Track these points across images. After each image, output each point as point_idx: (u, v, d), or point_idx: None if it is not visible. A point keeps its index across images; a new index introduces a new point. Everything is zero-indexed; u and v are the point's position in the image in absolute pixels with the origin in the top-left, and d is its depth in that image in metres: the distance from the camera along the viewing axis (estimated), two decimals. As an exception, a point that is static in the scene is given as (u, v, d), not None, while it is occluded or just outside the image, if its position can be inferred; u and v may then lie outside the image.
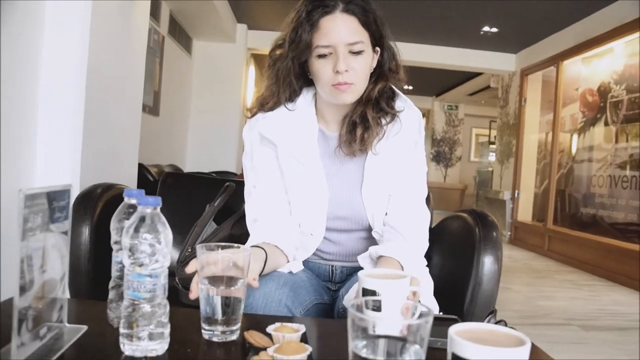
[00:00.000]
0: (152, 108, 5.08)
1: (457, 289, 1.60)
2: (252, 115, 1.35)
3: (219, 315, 0.87)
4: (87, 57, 2.07)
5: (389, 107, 1.30)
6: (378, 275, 0.94)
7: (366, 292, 0.88)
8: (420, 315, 0.59)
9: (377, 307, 0.67)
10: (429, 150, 12.23)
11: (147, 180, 3.76)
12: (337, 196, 1.32)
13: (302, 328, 0.85)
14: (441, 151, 12.22)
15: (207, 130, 6.81)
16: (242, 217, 1.80)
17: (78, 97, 2.07)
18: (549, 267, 5.61)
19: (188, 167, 6.44)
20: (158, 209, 0.82)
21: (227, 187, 1.91)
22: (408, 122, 1.33)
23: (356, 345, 0.57)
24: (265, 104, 1.33)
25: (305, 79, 1.32)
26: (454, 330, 0.59)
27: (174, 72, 5.83)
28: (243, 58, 7.09)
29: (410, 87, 10.88)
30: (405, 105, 1.34)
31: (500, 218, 7.42)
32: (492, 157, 10.01)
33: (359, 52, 1.21)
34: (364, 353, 0.56)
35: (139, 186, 2.34)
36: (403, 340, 0.56)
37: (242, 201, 1.88)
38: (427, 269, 1.50)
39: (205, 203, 1.88)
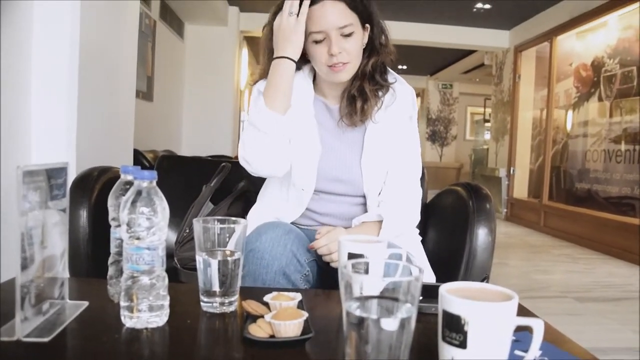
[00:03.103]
0: (146, 93, 5.07)
1: (452, 261, 1.62)
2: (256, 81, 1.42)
3: (216, 287, 0.89)
4: (79, 41, 2.06)
5: (382, 80, 1.39)
6: (360, 240, 0.99)
7: (351, 257, 0.92)
8: (407, 275, 0.61)
9: (365, 270, 0.69)
10: (424, 129, 12.22)
11: (143, 165, 3.77)
12: (337, 159, 1.40)
13: (298, 296, 0.87)
14: (436, 130, 12.21)
15: (202, 115, 6.79)
16: (239, 196, 1.83)
17: (71, 82, 2.07)
18: (545, 242, 5.66)
19: (184, 152, 6.43)
20: (154, 183, 0.84)
21: (223, 168, 1.92)
22: (402, 95, 1.42)
23: (350, 305, 0.59)
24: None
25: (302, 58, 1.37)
26: (445, 288, 0.61)
27: (166, 56, 5.80)
28: (236, 41, 7.05)
29: (405, 67, 10.85)
30: (398, 80, 1.44)
31: (496, 195, 7.45)
32: (487, 135, 10.02)
33: (349, 34, 1.29)
34: (358, 312, 0.58)
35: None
36: (395, 299, 0.58)
37: (238, 181, 1.90)
38: (419, 238, 1.55)
39: (201, 184, 1.90)
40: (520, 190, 7.20)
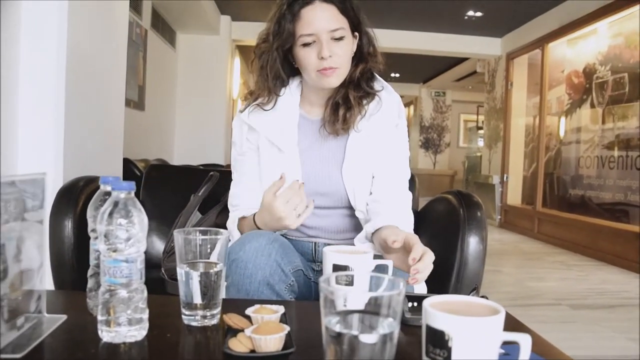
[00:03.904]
0: (137, 103, 5.04)
1: (443, 270, 1.60)
2: (244, 109, 1.42)
3: (198, 300, 0.86)
4: (66, 51, 2.04)
5: (368, 87, 1.38)
6: (344, 251, 0.97)
7: (336, 269, 0.89)
8: (392, 288, 0.59)
9: (350, 282, 0.67)
10: (417, 137, 12.24)
11: (134, 175, 3.74)
12: (317, 172, 1.37)
13: (281, 309, 0.84)
14: (430, 138, 12.23)
15: (194, 124, 6.77)
16: (227, 206, 1.80)
17: (58, 91, 2.05)
18: (539, 249, 5.65)
19: (176, 161, 6.41)
20: (132, 194, 0.82)
21: (211, 177, 1.90)
22: (388, 103, 1.40)
23: (329, 320, 0.56)
24: (257, 99, 1.39)
25: (291, 69, 1.38)
26: (429, 302, 0.59)
27: (158, 66, 5.78)
28: (228, 50, 7.04)
29: (397, 75, 10.88)
30: (385, 87, 1.42)
31: (490, 202, 7.45)
32: (480, 143, 10.04)
33: (340, 38, 1.28)
34: (337, 328, 0.56)
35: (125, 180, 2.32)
36: (376, 314, 0.56)
37: (227, 190, 1.87)
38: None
39: (190, 193, 1.87)
40: (514, 197, 7.19)
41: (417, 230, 1.91)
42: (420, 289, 1.43)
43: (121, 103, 2.79)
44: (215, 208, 1.79)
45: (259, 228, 1.29)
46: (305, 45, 1.27)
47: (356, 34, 1.34)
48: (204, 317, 0.88)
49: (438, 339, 0.55)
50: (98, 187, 1.90)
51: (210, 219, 1.78)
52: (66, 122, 2.08)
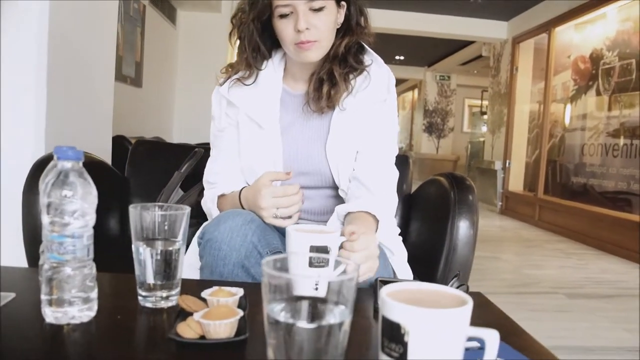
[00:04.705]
0: (134, 79, 4.95)
1: (432, 255, 1.54)
2: (223, 83, 1.35)
3: (150, 280, 0.80)
4: (47, 23, 1.95)
5: (356, 63, 1.29)
6: (312, 230, 0.90)
7: (314, 250, 0.83)
8: (344, 273, 0.52)
9: (326, 264, 0.61)
10: (421, 121, 12.12)
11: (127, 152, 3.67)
12: (299, 151, 1.30)
13: (240, 292, 0.78)
14: (433, 122, 12.10)
15: (194, 102, 6.66)
16: (208, 183, 1.74)
17: (39, 63, 1.96)
18: (539, 236, 5.58)
19: (175, 139, 6.33)
20: (80, 164, 0.75)
21: (195, 153, 1.83)
22: (377, 78, 1.31)
23: (272, 308, 0.50)
24: (238, 72, 1.32)
25: (273, 41, 1.30)
26: (388, 290, 0.52)
27: (157, 42, 5.68)
28: (229, 28, 6.91)
29: (402, 57, 10.75)
30: (375, 61, 1.32)
31: (491, 188, 7.37)
32: (484, 128, 9.93)
33: (320, 9, 1.19)
34: (282, 317, 0.49)
35: (119, 158, 2.24)
36: (325, 301, 0.50)
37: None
38: (398, 231, 1.45)
39: (176, 170, 1.82)
40: (516, 183, 7.11)
41: (409, 213, 1.85)
42: (406, 274, 1.36)
43: (110, 78, 2.70)
44: (197, 185, 1.73)
45: (241, 204, 1.22)
46: (283, 16, 1.18)
47: (343, 3, 1.24)
48: (161, 298, 0.81)
49: (394, 333, 0.48)
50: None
51: (192, 197, 1.71)
52: (48, 97, 2.00)
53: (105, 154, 2.58)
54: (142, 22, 5.10)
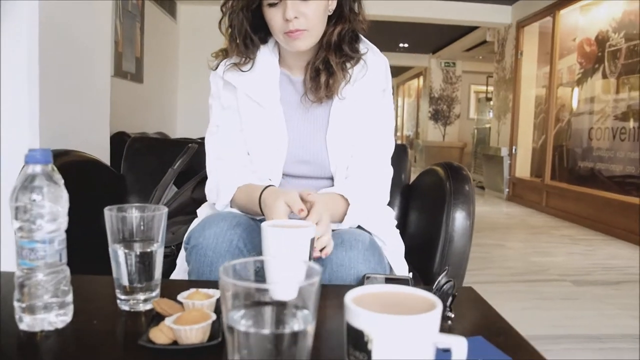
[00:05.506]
0: (134, 75, 4.93)
1: (428, 247, 1.52)
2: (216, 67, 1.33)
3: (125, 282, 0.78)
4: (38, 14, 1.94)
5: (352, 51, 1.26)
6: (287, 225, 0.88)
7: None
8: (307, 276, 0.50)
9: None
10: (427, 108, 12.03)
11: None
12: (301, 139, 1.29)
13: (217, 294, 0.76)
14: (439, 109, 12.00)
15: (197, 97, 6.60)
16: (203, 180, 1.71)
17: (30, 59, 1.95)
18: (546, 222, 5.53)
19: (178, 134, 6.31)
20: (50, 166, 0.73)
21: (188, 149, 1.82)
22: (374, 67, 1.28)
23: (232, 316, 0.47)
24: (232, 58, 1.29)
25: (266, 29, 1.25)
26: (353, 294, 0.50)
27: (157, 37, 5.65)
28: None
29: (406, 45, 10.66)
30: (370, 49, 1.30)
31: (498, 175, 7.31)
32: (491, 114, 9.84)
33: None
34: (242, 325, 0.47)
35: (117, 154, 2.22)
36: (285, 305, 0.47)
37: (205, 162, 1.79)
38: (394, 223, 1.42)
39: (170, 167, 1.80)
40: (523, 169, 7.04)
41: (407, 204, 1.82)
42: (401, 269, 1.33)
43: (107, 74, 2.69)
44: (191, 181, 1.72)
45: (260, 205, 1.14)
46: (272, 5, 1.15)
47: None
48: (139, 301, 0.80)
49: (358, 340, 0.46)
50: (69, 161, 1.82)
51: (185, 193, 1.70)
52: (41, 94, 1.98)
53: (102, 151, 2.57)
54: (141, 17, 5.07)
